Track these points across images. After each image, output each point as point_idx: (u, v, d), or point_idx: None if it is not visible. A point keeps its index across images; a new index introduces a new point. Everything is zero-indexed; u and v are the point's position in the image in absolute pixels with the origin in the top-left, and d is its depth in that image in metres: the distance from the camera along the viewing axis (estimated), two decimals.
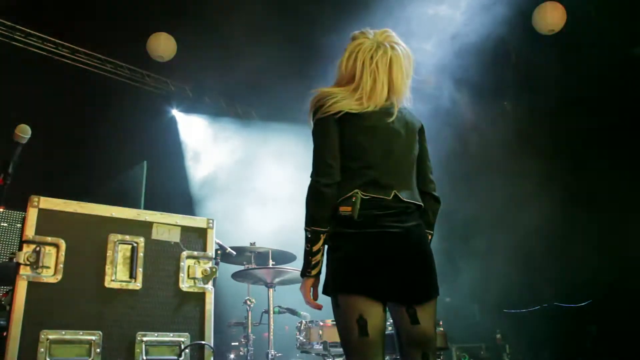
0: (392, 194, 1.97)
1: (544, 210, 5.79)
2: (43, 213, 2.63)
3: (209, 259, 3.02)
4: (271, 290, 4.02)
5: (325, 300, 2.00)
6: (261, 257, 4.24)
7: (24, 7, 5.82)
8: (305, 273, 1.99)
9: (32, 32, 6.11)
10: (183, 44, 6.21)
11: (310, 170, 2.02)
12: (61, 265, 2.60)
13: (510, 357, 6.04)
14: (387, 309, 1.95)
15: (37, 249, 2.55)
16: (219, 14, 5.62)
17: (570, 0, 5.42)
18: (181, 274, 2.91)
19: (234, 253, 3.86)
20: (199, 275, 2.96)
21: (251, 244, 4.19)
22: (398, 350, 2.00)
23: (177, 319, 2.84)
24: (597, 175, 5.81)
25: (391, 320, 2.04)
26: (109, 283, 2.71)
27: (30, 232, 2.58)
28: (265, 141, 6.95)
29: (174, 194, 6.52)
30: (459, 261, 5.97)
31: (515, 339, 6.24)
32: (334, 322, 3.31)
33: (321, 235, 1.95)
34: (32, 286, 2.52)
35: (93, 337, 2.59)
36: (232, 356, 4.71)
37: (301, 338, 3.80)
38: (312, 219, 1.96)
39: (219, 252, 3.14)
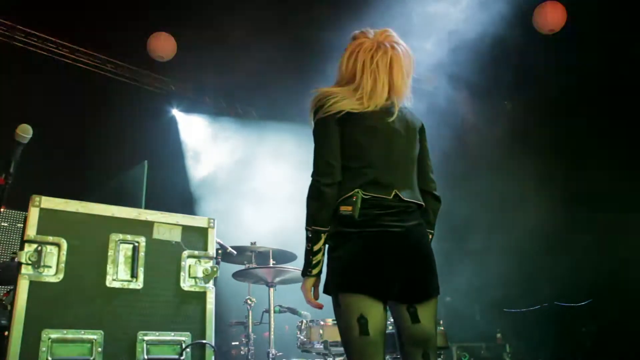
0: (393, 194, 1.97)
1: (543, 209, 5.80)
2: (44, 212, 2.64)
3: (210, 258, 3.03)
4: (272, 289, 4.02)
5: (326, 300, 2.00)
6: (262, 257, 4.25)
7: (24, 7, 5.82)
8: (306, 272, 2.00)
9: (32, 32, 6.11)
10: (183, 43, 6.21)
11: (310, 169, 2.02)
12: (63, 265, 2.61)
13: (511, 357, 6.05)
14: (387, 308, 1.95)
15: (39, 248, 2.56)
16: (219, 13, 5.62)
17: None
18: (182, 274, 2.92)
19: (235, 252, 3.87)
20: (200, 274, 2.96)
21: (252, 243, 4.20)
22: (399, 350, 2.00)
23: (178, 318, 2.85)
24: (596, 174, 5.82)
25: (392, 320, 2.05)
26: (110, 282, 2.72)
27: (31, 231, 2.59)
28: (266, 141, 6.95)
29: (175, 193, 6.52)
30: (458, 260, 5.97)
31: (516, 338, 6.25)
32: (335, 322, 3.33)
33: (322, 234, 1.95)
34: (34, 285, 2.53)
35: (94, 337, 2.59)
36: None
37: (302, 337, 3.81)
38: (313, 219, 1.96)
39: (219, 251, 3.16)
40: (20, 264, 2.54)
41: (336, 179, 1.97)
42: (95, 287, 2.68)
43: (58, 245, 2.63)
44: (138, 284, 2.78)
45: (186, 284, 2.92)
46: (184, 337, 2.83)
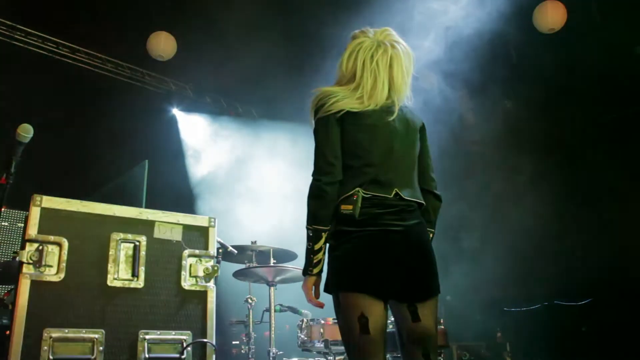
0: (393, 192, 1.98)
1: (541, 207, 5.80)
2: (45, 212, 2.65)
3: (211, 257, 3.04)
4: (272, 288, 4.02)
5: (326, 299, 2.01)
6: (262, 256, 4.24)
7: (24, 7, 5.82)
8: (306, 271, 2.00)
9: (32, 31, 6.11)
10: (183, 43, 6.21)
11: (311, 168, 2.03)
12: (64, 264, 2.61)
13: (511, 356, 6.06)
14: (388, 306, 1.96)
15: (40, 247, 2.56)
16: (219, 12, 5.62)
17: None
18: (183, 273, 2.92)
19: (235, 252, 3.87)
20: (200, 273, 2.97)
21: (252, 242, 4.19)
22: (399, 348, 2.01)
23: (179, 317, 2.85)
24: (593, 171, 5.82)
25: (392, 318, 2.05)
26: (111, 281, 2.72)
27: (32, 231, 2.59)
28: (266, 140, 6.96)
29: (176, 192, 6.53)
30: (457, 259, 5.98)
31: (516, 337, 6.26)
32: (335, 320, 3.35)
33: (323, 233, 1.96)
34: (35, 285, 2.53)
35: (96, 336, 2.60)
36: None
37: (302, 336, 3.82)
38: (314, 218, 1.96)
39: (220, 250, 3.16)
40: (21, 263, 2.54)
41: (337, 177, 1.98)
42: (96, 286, 2.68)
43: (59, 244, 2.63)
44: (139, 283, 2.78)
45: (187, 283, 2.93)
46: (185, 336, 2.83)
